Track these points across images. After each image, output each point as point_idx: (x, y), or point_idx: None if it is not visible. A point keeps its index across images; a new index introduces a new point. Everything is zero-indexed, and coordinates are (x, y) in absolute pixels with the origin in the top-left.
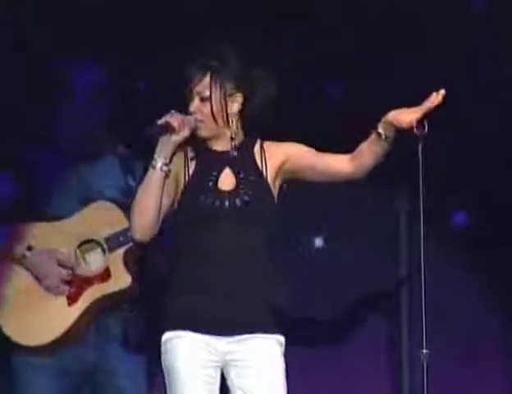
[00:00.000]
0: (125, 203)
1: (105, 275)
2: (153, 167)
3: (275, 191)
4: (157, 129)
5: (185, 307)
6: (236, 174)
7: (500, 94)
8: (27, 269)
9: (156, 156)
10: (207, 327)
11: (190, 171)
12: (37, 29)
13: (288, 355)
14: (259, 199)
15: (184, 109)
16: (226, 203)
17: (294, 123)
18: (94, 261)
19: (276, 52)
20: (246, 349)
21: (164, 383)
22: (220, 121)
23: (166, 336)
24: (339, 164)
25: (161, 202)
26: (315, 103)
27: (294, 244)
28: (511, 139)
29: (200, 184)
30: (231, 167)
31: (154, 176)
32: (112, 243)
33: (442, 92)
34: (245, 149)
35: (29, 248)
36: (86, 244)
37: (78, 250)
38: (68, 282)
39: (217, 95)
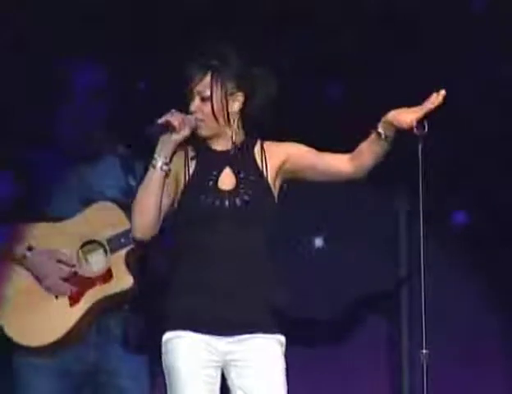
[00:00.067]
0: (126, 203)
1: (107, 276)
2: (154, 167)
3: (275, 191)
4: (157, 128)
5: (185, 307)
6: (236, 174)
7: (500, 94)
8: (28, 269)
9: (156, 155)
10: (207, 327)
11: (190, 171)
12: (37, 29)
13: (288, 355)
14: (259, 199)
15: (184, 109)
16: (226, 202)
17: (294, 123)
18: (96, 262)
19: (276, 52)
20: (246, 349)
21: (165, 383)
22: (221, 120)
23: (167, 336)
24: (339, 164)
25: (161, 201)
26: (315, 103)
27: (295, 244)
28: (511, 139)
29: (200, 183)
30: (231, 167)
31: (154, 175)
32: (114, 244)
33: (443, 92)
34: (245, 149)
35: (30, 248)
36: (88, 245)
37: (80, 251)
38: (69, 281)
39: (217, 94)
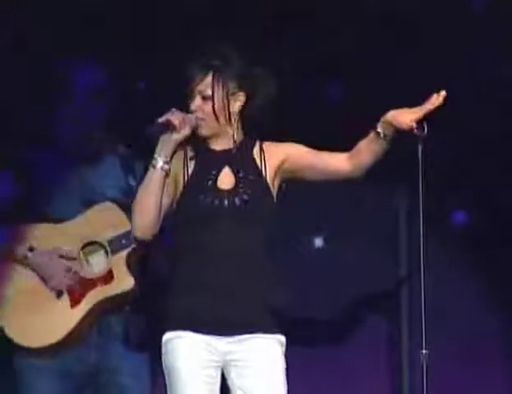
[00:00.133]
0: (126, 203)
1: (108, 277)
2: (154, 166)
3: (274, 191)
4: (157, 128)
5: (185, 307)
6: (235, 173)
7: (500, 94)
8: (32, 270)
9: (156, 155)
10: (207, 327)
11: (189, 171)
12: (37, 29)
13: (288, 355)
14: (258, 199)
15: (184, 109)
16: (226, 202)
17: (294, 123)
18: (97, 263)
19: (276, 52)
20: (246, 349)
21: (165, 383)
22: (221, 119)
23: (167, 336)
24: (337, 163)
25: (161, 201)
26: (315, 103)
27: (294, 244)
28: (511, 139)
29: (199, 183)
30: (231, 167)
31: (155, 175)
32: (115, 245)
33: (443, 93)
34: (245, 149)
35: (31, 249)
36: (89, 246)
37: (81, 252)
38: (72, 273)
39: (219, 94)
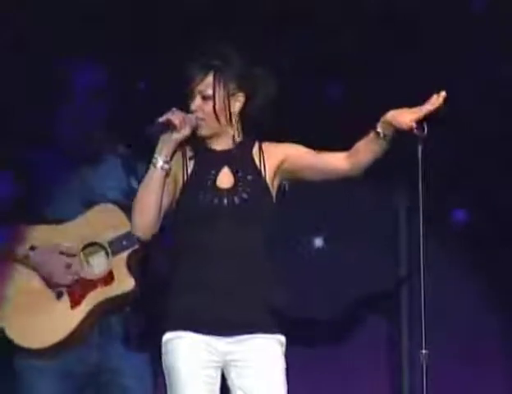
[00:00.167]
0: (128, 205)
1: (108, 278)
2: (154, 166)
3: (273, 191)
4: (158, 127)
5: (185, 307)
6: (235, 173)
7: (500, 94)
8: (34, 269)
9: (156, 154)
10: (207, 327)
11: (189, 171)
12: (37, 29)
13: (288, 355)
14: (257, 198)
15: (184, 109)
16: (225, 201)
17: (294, 123)
18: (98, 264)
19: (276, 52)
20: (246, 349)
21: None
22: (222, 119)
23: (167, 336)
24: (336, 162)
25: (161, 200)
26: (315, 103)
27: (294, 244)
28: (511, 139)
29: (199, 182)
30: (230, 166)
31: (155, 174)
32: (116, 246)
33: (443, 94)
34: (244, 149)
35: (32, 248)
36: (90, 247)
37: (81, 253)
38: (72, 269)
39: (220, 94)
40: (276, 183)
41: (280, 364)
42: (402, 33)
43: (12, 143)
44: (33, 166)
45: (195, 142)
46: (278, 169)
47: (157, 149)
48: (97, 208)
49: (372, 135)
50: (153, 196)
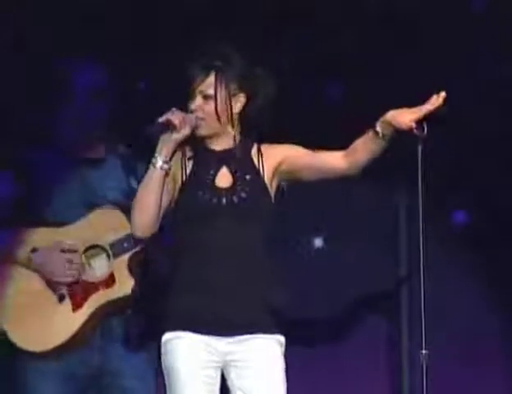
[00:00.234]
0: (128, 205)
1: (110, 281)
2: (154, 166)
3: (272, 191)
4: (157, 127)
5: (185, 307)
6: (233, 172)
7: (500, 94)
8: (36, 271)
9: (156, 154)
10: (207, 327)
11: (188, 171)
12: (37, 29)
13: (288, 355)
14: (256, 197)
15: (184, 109)
16: (224, 200)
17: (294, 123)
18: (100, 267)
19: (276, 52)
20: (246, 349)
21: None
22: (223, 120)
23: (166, 336)
24: (333, 161)
25: (161, 200)
26: (315, 103)
27: (294, 244)
28: (511, 139)
29: (198, 182)
30: (228, 166)
31: (154, 174)
32: (117, 249)
33: (443, 94)
34: (243, 150)
35: (34, 250)
36: (91, 249)
37: (83, 256)
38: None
39: (222, 95)
40: (274, 184)
41: (279, 365)
42: (402, 33)
43: (12, 143)
44: (33, 166)
45: (194, 142)
46: (276, 170)
47: (157, 149)
48: (98, 211)
49: (370, 133)
50: (153, 196)
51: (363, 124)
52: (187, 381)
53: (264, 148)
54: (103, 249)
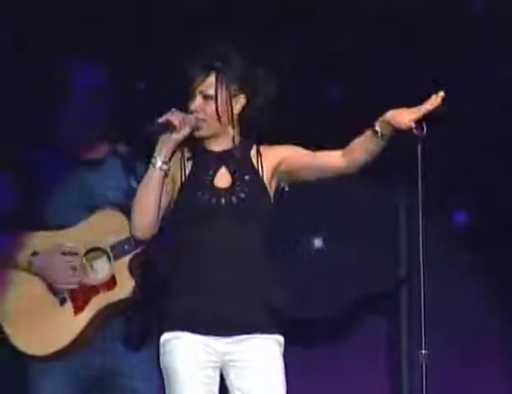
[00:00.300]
0: (128, 206)
1: (111, 283)
2: (153, 166)
3: (271, 192)
4: (157, 127)
5: (184, 307)
6: (232, 173)
7: (500, 94)
8: (37, 275)
9: (156, 154)
10: (206, 327)
11: (187, 171)
12: (37, 29)
13: (287, 355)
14: (255, 197)
15: (184, 109)
16: (223, 200)
17: (294, 123)
18: (101, 269)
19: (276, 52)
20: (245, 349)
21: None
22: (223, 120)
23: (165, 337)
24: (332, 160)
25: (160, 200)
26: (315, 103)
27: (294, 244)
28: (511, 139)
29: (197, 182)
30: (227, 167)
31: (154, 174)
32: (118, 251)
33: (441, 94)
34: (242, 150)
35: (34, 254)
36: (92, 252)
37: (84, 258)
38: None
39: (223, 96)
40: (273, 184)
41: (278, 365)
42: (402, 33)
43: (12, 143)
44: (33, 166)
45: (193, 143)
46: (275, 170)
47: (157, 150)
48: (98, 213)
49: (369, 133)
50: (153, 196)
51: (363, 124)
52: (186, 381)
53: (263, 148)
54: (104, 251)
